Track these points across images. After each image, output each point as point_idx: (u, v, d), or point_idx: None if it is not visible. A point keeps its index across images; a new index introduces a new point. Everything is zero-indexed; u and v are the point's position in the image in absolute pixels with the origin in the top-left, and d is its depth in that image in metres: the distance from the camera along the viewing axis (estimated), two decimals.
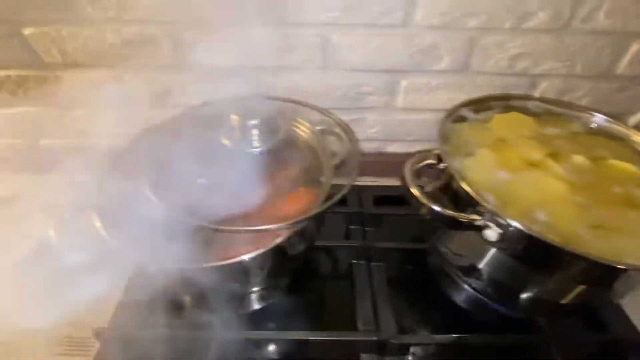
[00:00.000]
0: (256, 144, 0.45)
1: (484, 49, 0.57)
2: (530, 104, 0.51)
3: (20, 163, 0.67)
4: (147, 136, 0.47)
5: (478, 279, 0.47)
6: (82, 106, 0.62)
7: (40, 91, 0.61)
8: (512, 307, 0.47)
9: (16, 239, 0.46)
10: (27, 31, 0.55)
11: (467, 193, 0.38)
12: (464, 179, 0.39)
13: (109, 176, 0.44)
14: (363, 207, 0.62)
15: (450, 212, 0.38)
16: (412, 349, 0.47)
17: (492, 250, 0.43)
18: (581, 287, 0.40)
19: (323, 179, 0.46)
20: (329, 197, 0.42)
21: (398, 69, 0.59)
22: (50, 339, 0.46)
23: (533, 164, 0.42)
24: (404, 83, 0.61)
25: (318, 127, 0.51)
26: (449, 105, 0.59)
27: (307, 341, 0.47)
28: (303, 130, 0.50)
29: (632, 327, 0.48)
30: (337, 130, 0.51)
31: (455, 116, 0.49)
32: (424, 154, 0.44)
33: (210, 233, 0.41)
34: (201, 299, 0.46)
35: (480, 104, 0.50)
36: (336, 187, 0.43)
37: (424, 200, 0.39)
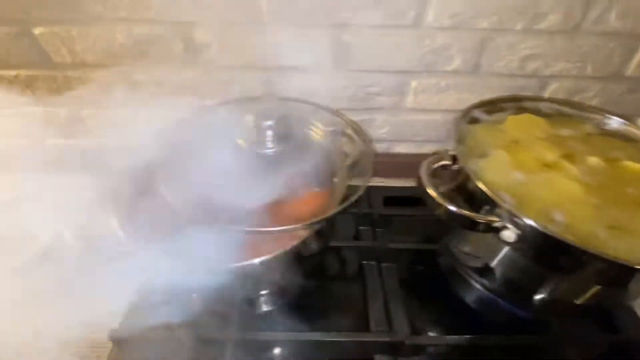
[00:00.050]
0: (270, 145, 0.45)
1: (495, 50, 0.57)
2: (542, 105, 0.51)
3: (28, 163, 0.66)
4: (160, 136, 0.47)
5: (491, 279, 0.47)
6: (91, 106, 0.62)
7: (48, 91, 0.61)
8: (525, 308, 0.47)
9: (24, 239, 0.46)
10: (37, 31, 0.55)
11: (484, 194, 0.38)
12: (480, 179, 0.39)
13: (123, 176, 0.44)
14: (372, 207, 0.62)
15: (468, 213, 0.38)
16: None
17: (506, 251, 0.43)
18: (596, 288, 0.40)
19: (336, 180, 0.46)
20: (344, 198, 0.42)
21: (408, 69, 0.59)
22: (63, 341, 0.46)
23: (548, 165, 0.42)
24: (413, 84, 0.61)
25: (330, 128, 0.51)
26: (459, 106, 0.60)
27: (320, 342, 0.46)
28: (316, 132, 0.50)
29: None
30: (349, 131, 0.51)
31: (468, 117, 0.49)
32: (439, 154, 0.43)
33: (225, 234, 0.41)
34: (214, 299, 0.45)
35: (492, 106, 0.50)
36: (350, 188, 0.44)
37: (441, 201, 0.39)
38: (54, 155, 0.66)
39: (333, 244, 0.55)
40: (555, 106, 0.52)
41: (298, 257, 0.44)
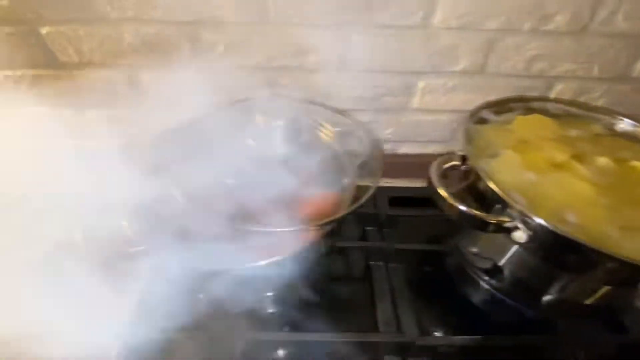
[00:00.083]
0: (280, 146, 0.45)
1: (502, 51, 0.57)
2: (550, 106, 0.52)
3: (32, 163, 0.66)
4: (170, 136, 0.47)
5: (499, 279, 0.47)
6: (97, 106, 0.61)
7: (54, 91, 0.61)
8: (533, 308, 0.47)
9: (30, 239, 0.45)
10: (44, 30, 0.54)
11: (495, 194, 0.38)
12: (491, 179, 0.39)
13: (133, 176, 0.44)
14: (378, 208, 0.61)
15: (479, 214, 0.38)
16: None
17: (514, 251, 0.43)
18: (606, 288, 0.40)
19: (346, 181, 0.46)
20: (354, 199, 0.42)
21: (415, 70, 0.59)
22: (71, 342, 0.46)
23: (558, 166, 0.42)
24: (420, 84, 0.61)
25: (338, 129, 0.50)
26: (465, 106, 0.60)
27: (329, 343, 0.46)
28: (325, 132, 0.50)
29: None
30: (358, 131, 0.51)
31: (476, 118, 0.49)
32: (449, 155, 0.43)
33: (234, 234, 0.41)
34: (223, 300, 0.45)
35: (500, 106, 0.50)
36: (359, 189, 0.44)
37: (452, 201, 0.38)
38: (59, 156, 0.66)
39: (340, 244, 0.55)
40: (563, 107, 0.52)
41: (307, 258, 0.44)
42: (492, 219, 0.38)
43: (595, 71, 0.59)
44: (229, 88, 0.52)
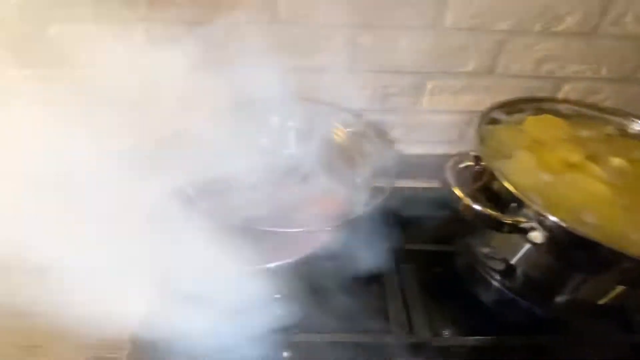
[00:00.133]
0: (293, 146, 0.45)
1: (511, 52, 0.57)
2: (561, 107, 0.52)
3: (39, 164, 0.66)
4: (181, 137, 0.46)
5: (511, 279, 0.47)
6: (107, 107, 0.61)
7: (63, 90, 0.60)
8: (546, 308, 0.47)
9: None
10: (52, 30, 0.54)
11: (511, 194, 0.38)
12: (507, 180, 0.39)
13: (144, 178, 0.44)
14: (388, 208, 0.61)
15: (495, 214, 0.38)
16: None
17: (527, 251, 0.43)
18: (620, 288, 0.40)
19: (359, 181, 0.46)
20: (368, 200, 0.42)
21: (425, 70, 0.59)
22: (81, 342, 0.46)
23: (572, 166, 0.42)
24: (429, 85, 0.61)
25: (352, 129, 0.50)
26: (474, 107, 0.60)
27: (341, 344, 0.46)
28: (338, 133, 0.50)
29: None
30: (370, 132, 0.50)
31: (488, 118, 0.49)
32: (463, 155, 0.43)
33: (248, 235, 0.41)
34: (232, 301, 0.45)
35: (512, 107, 0.50)
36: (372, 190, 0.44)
37: (468, 201, 0.38)
38: (66, 157, 0.65)
39: (351, 245, 0.55)
40: (574, 107, 0.52)
41: (318, 259, 0.44)
42: (508, 219, 0.38)
43: (604, 72, 0.59)
44: (241, 89, 0.52)
